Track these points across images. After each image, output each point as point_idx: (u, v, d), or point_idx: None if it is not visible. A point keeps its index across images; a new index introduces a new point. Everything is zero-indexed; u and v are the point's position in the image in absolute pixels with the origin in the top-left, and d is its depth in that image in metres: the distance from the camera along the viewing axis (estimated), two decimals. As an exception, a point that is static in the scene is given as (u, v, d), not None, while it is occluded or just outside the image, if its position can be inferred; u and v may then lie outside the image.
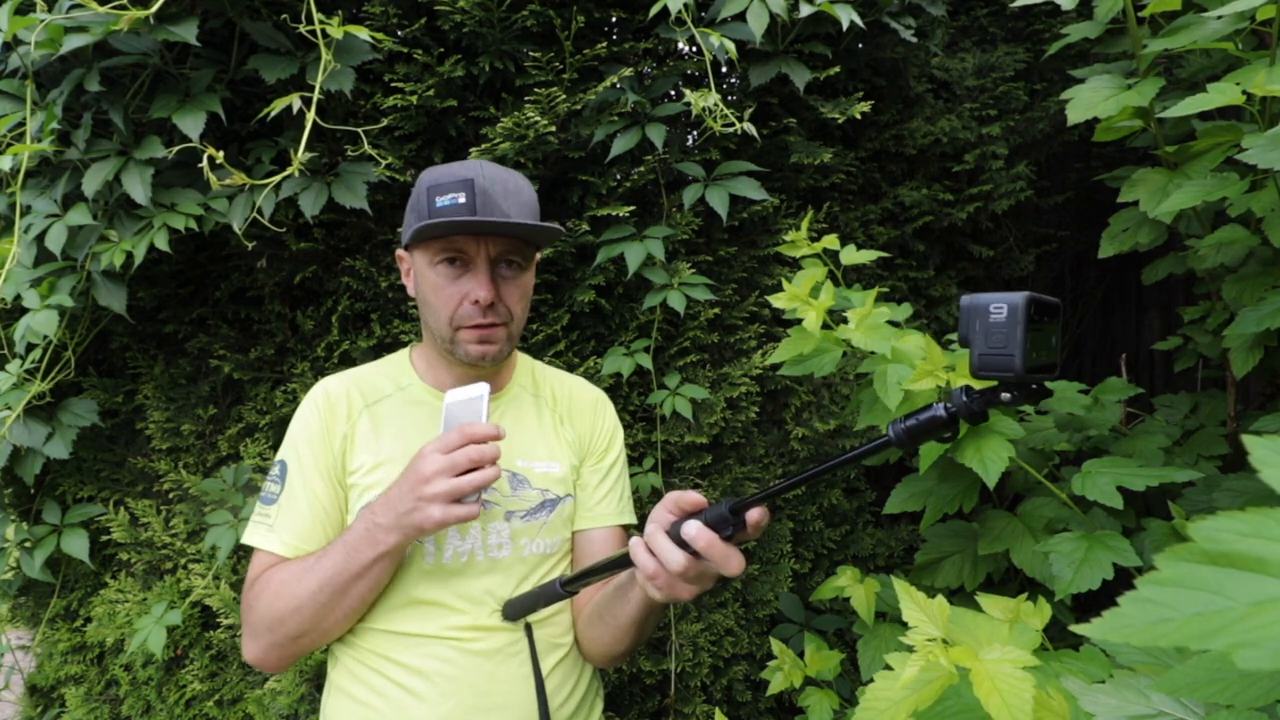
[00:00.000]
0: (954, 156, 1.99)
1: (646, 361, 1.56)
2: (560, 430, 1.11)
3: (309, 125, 1.29)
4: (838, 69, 1.64)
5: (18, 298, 1.41)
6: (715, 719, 1.23)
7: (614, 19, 1.62)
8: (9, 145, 1.37)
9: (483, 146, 1.47)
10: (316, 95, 1.30)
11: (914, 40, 1.75)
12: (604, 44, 1.51)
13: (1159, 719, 0.61)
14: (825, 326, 1.20)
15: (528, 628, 1.01)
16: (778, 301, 1.20)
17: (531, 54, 1.49)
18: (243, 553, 1.58)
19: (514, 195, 0.98)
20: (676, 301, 1.52)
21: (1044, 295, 0.69)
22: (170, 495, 1.65)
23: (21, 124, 1.38)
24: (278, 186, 1.35)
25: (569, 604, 1.07)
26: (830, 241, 1.33)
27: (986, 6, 2.18)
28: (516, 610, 0.99)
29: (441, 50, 1.48)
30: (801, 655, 1.42)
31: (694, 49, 1.57)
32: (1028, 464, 1.20)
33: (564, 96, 1.48)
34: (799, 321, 1.19)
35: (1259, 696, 0.54)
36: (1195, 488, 1.26)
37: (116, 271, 1.40)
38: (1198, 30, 1.20)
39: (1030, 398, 0.69)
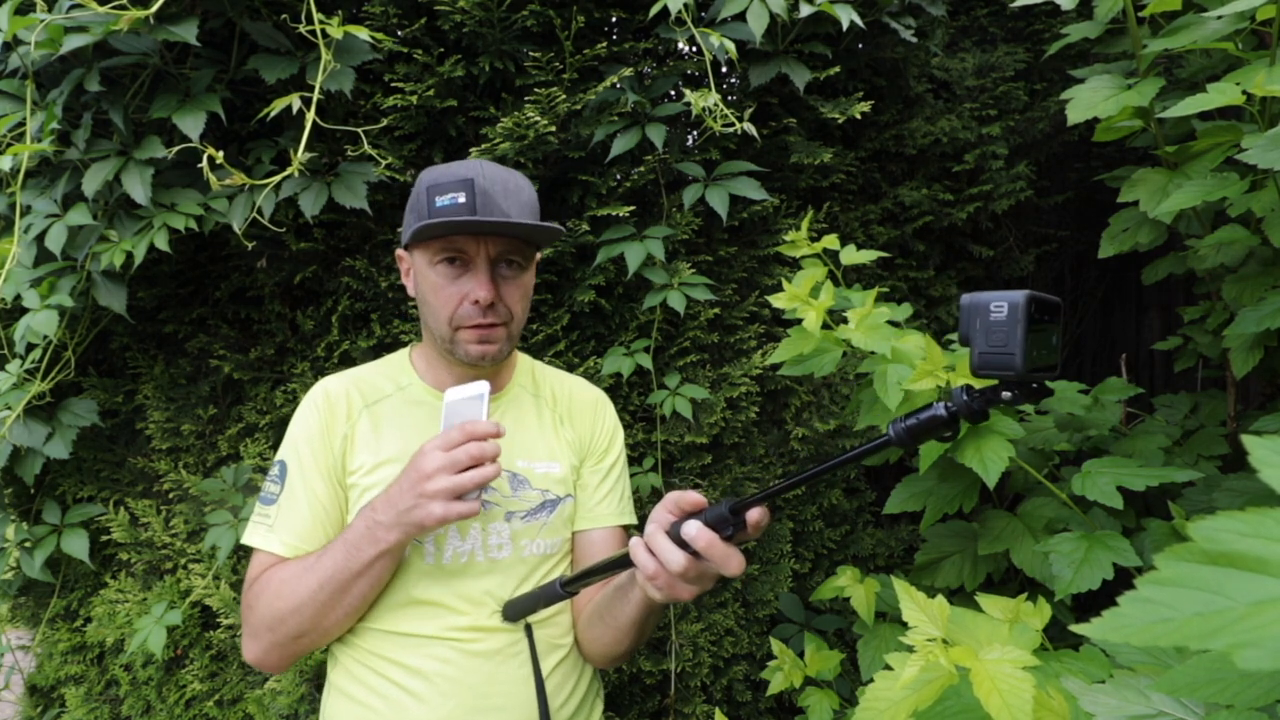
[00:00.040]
0: (954, 156, 1.99)
1: (646, 361, 1.56)
2: (560, 430, 1.11)
3: (309, 125, 1.29)
4: (838, 69, 1.64)
5: (18, 298, 1.41)
6: (715, 719, 1.23)
7: (614, 19, 1.62)
8: (9, 145, 1.37)
9: (483, 146, 1.47)
10: (316, 95, 1.30)
11: (914, 40, 1.75)
12: (604, 44, 1.51)
13: (1159, 719, 0.61)
14: (825, 326, 1.20)
15: (528, 628, 1.01)
16: (778, 301, 1.20)
17: (531, 54, 1.49)
18: (243, 553, 1.58)
19: (514, 195, 0.98)
20: (676, 301, 1.52)
21: (1044, 294, 0.69)
22: (170, 495, 1.65)
23: (21, 124, 1.38)
24: (278, 186, 1.35)
25: (569, 604, 1.07)
26: (830, 241, 1.33)
27: (986, 6, 2.18)
28: (516, 611, 0.99)
29: (441, 50, 1.48)
30: (801, 655, 1.42)
31: (694, 49, 1.57)
32: (1028, 464, 1.20)
33: (564, 96, 1.48)
34: (799, 321, 1.19)
35: (1259, 696, 0.54)
36: (1195, 488, 1.26)
37: (116, 271, 1.40)
38: (1198, 30, 1.20)
39: (1031, 396, 0.69)
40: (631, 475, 1.29)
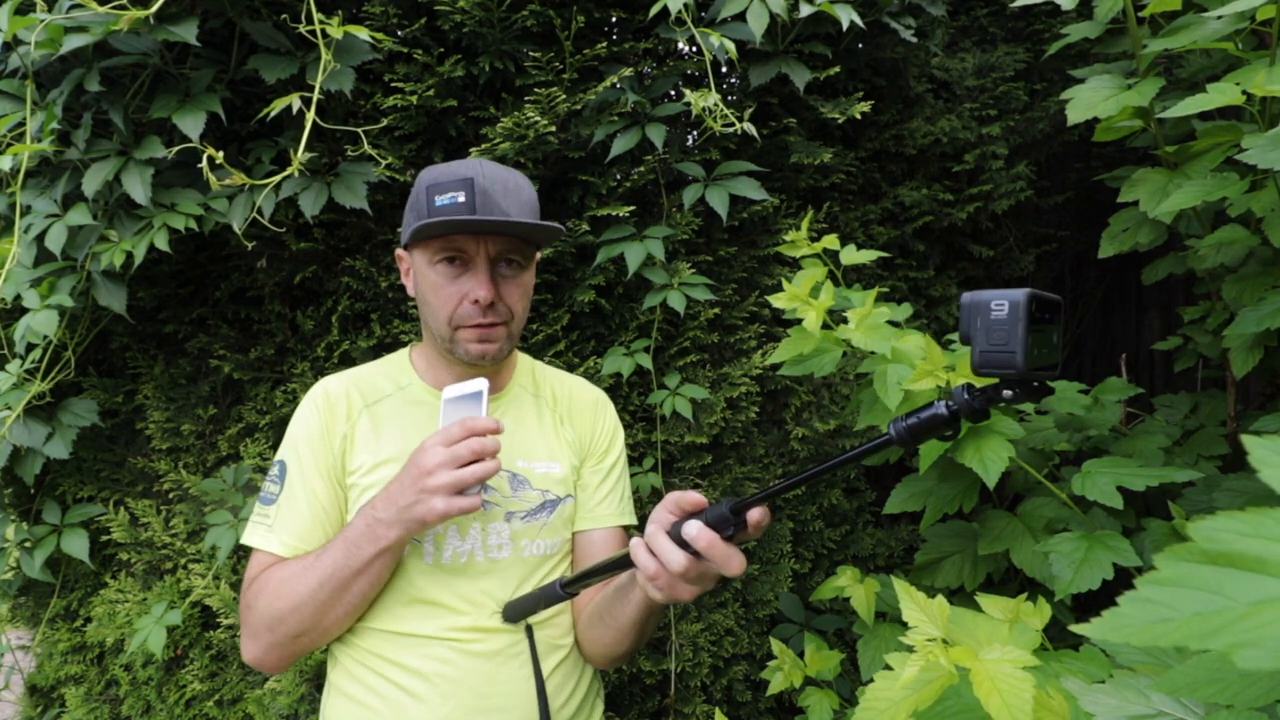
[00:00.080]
0: (954, 156, 1.99)
1: (646, 361, 1.56)
2: (560, 430, 1.11)
3: (309, 125, 1.29)
4: (838, 69, 1.64)
5: (18, 298, 1.41)
6: (715, 719, 1.23)
7: (614, 19, 1.62)
8: (9, 145, 1.37)
9: (483, 146, 1.47)
10: (316, 95, 1.30)
11: (914, 40, 1.75)
12: (604, 44, 1.51)
13: (1159, 719, 0.61)
14: (825, 326, 1.20)
15: (528, 629, 1.01)
16: (778, 301, 1.20)
17: (531, 54, 1.49)
18: (243, 553, 1.58)
19: (514, 194, 0.98)
20: (676, 301, 1.52)
21: (1045, 293, 0.69)
22: (170, 495, 1.65)
23: (21, 124, 1.38)
24: (278, 186, 1.35)
25: (569, 605, 1.07)
26: (830, 241, 1.33)
27: (986, 6, 2.18)
28: (517, 612, 0.99)
29: (441, 50, 1.48)
30: (801, 655, 1.42)
31: (694, 49, 1.57)
32: (1028, 464, 1.20)
33: (564, 96, 1.48)
34: (799, 321, 1.19)
35: (1259, 696, 0.54)
36: (1195, 488, 1.26)
37: (116, 271, 1.40)
38: (1198, 30, 1.20)
39: (1032, 395, 0.69)
40: (631, 475, 1.29)
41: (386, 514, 0.89)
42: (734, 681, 1.73)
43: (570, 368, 1.58)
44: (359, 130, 1.40)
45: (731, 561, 0.76)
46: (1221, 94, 1.00)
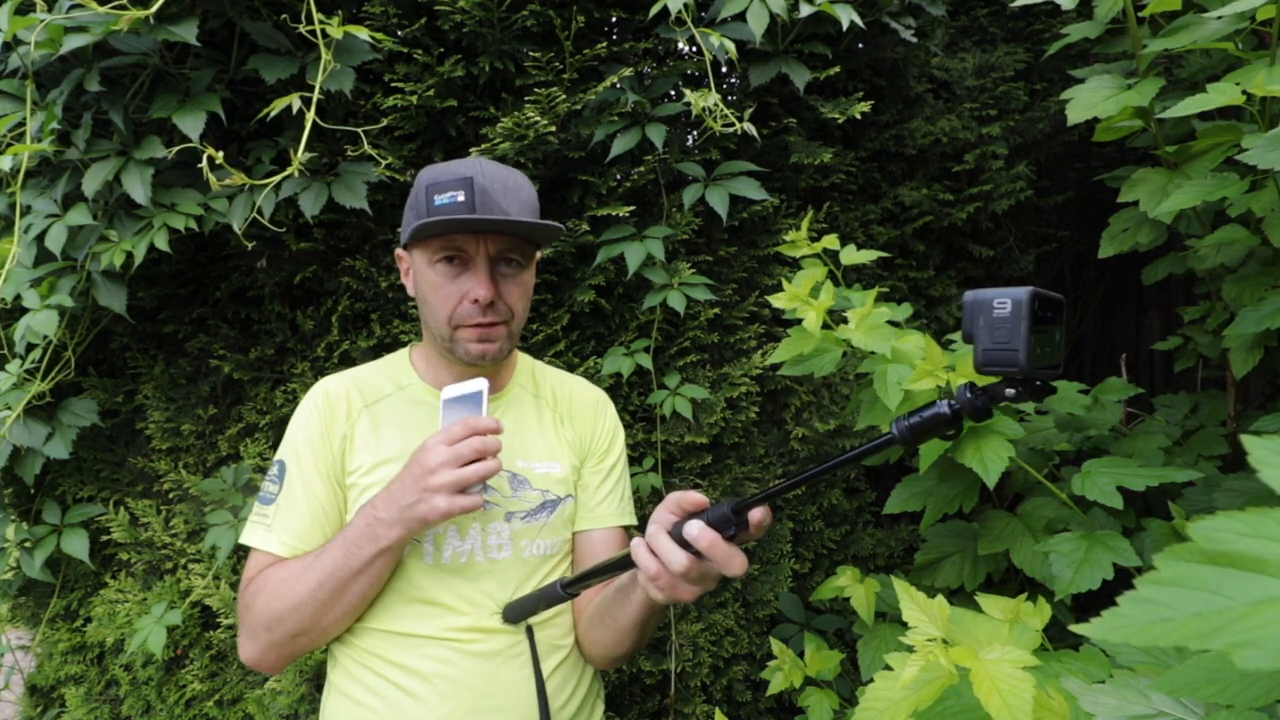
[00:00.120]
0: (954, 156, 1.99)
1: (646, 361, 1.56)
2: (561, 430, 1.11)
3: (309, 125, 1.29)
4: (838, 69, 1.64)
5: (18, 298, 1.41)
6: (715, 719, 1.23)
7: (614, 19, 1.62)
8: (9, 145, 1.37)
9: (483, 146, 1.47)
10: (316, 95, 1.30)
11: (914, 40, 1.75)
12: (604, 44, 1.51)
13: (1159, 719, 0.61)
14: (825, 326, 1.20)
15: (529, 629, 1.01)
16: (778, 301, 1.20)
17: (531, 54, 1.49)
18: (243, 553, 1.58)
19: (513, 193, 0.98)
20: (676, 301, 1.52)
21: (1048, 291, 0.69)
22: (170, 495, 1.65)
23: (21, 124, 1.38)
24: (278, 186, 1.35)
25: (570, 605, 1.07)
26: (830, 241, 1.33)
27: (986, 6, 2.18)
28: (517, 613, 0.99)
29: (441, 50, 1.48)
30: (801, 655, 1.42)
31: (694, 49, 1.57)
32: (1028, 464, 1.20)
33: (564, 96, 1.48)
34: (799, 321, 1.19)
35: (1259, 696, 0.54)
36: (1195, 488, 1.26)
37: (116, 271, 1.40)
38: (1198, 30, 1.20)
39: (1034, 394, 0.69)
40: (631, 475, 1.29)
41: (388, 513, 0.89)
42: (734, 681, 1.73)
43: (570, 368, 1.58)
44: (359, 130, 1.40)
45: (733, 561, 0.75)
46: (1221, 94, 1.00)
